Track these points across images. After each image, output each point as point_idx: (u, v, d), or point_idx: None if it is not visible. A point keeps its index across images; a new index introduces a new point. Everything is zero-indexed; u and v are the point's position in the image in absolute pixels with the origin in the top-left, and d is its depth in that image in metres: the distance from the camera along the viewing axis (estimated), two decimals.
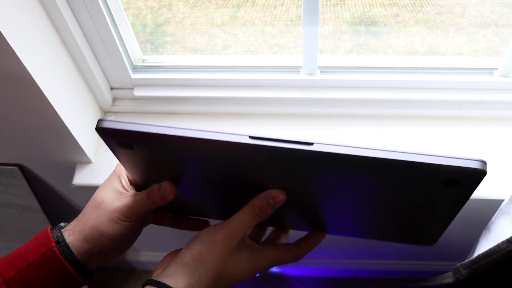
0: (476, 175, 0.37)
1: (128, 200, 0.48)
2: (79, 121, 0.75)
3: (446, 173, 0.37)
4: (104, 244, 0.48)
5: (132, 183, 0.51)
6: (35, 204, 0.94)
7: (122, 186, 0.50)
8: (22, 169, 0.86)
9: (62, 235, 0.48)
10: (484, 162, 0.36)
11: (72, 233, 0.48)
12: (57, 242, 0.47)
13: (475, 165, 0.36)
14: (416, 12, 0.71)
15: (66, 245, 0.47)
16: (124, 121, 0.40)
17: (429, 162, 0.36)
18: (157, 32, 0.79)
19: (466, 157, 0.36)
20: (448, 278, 0.64)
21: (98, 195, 0.49)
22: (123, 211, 0.47)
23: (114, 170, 0.51)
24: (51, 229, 0.49)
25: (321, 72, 0.78)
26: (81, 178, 0.80)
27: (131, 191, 0.50)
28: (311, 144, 0.37)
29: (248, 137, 0.38)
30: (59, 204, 0.97)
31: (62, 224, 0.50)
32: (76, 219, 0.50)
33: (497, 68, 0.76)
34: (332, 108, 0.81)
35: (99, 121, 0.40)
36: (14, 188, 0.90)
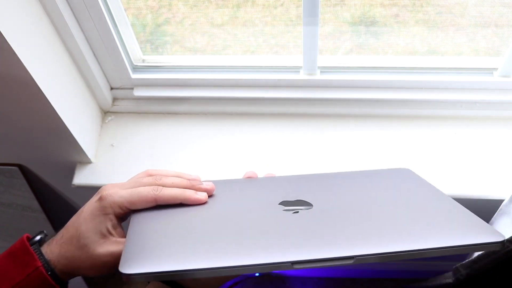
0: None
1: (113, 248, 0.46)
2: (79, 121, 0.75)
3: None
4: (90, 275, 0.48)
5: (119, 217, 0.48)
6: (35, 204, 0.94)
7: (107, 229, 0.46)
8: (22, 169, 0.86)
9: (48, 265, 0.46)
10: (503, 243, 0.40)
11: (58, 264, 0.47)
12: (48, 270, 0.46)
13: (497, 247, 0.40)
14: (416, 12, 0.71)
15: (55, 274, 0.47)
16: (150, 271, 0.37)
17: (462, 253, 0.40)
18: (157, 32, 0.79)
19: (492, 240, 0.40)
20: (448, 278, 0.64)
21: (82, 234, 0.46)
22: (107, 259, 0.46)
23: (102, 204, 0.46)
24: (30, 244, 0.47)
25: (321, 72, 0.78)
26: (81, 178, 0.80)
27: (116, 235, 0.47)
28: (351, 258, 0.39)
29: (290, 264, 0.38)
30: (59, 204, 0.97)
31: (38, 238, 0.48)
32: (58, 247, 0.47)
33: (497, 68, 0.76)
34: (332, 108, 0.81)
35: (121, 274, 0.37)
36: (14, 188, 0.90)
